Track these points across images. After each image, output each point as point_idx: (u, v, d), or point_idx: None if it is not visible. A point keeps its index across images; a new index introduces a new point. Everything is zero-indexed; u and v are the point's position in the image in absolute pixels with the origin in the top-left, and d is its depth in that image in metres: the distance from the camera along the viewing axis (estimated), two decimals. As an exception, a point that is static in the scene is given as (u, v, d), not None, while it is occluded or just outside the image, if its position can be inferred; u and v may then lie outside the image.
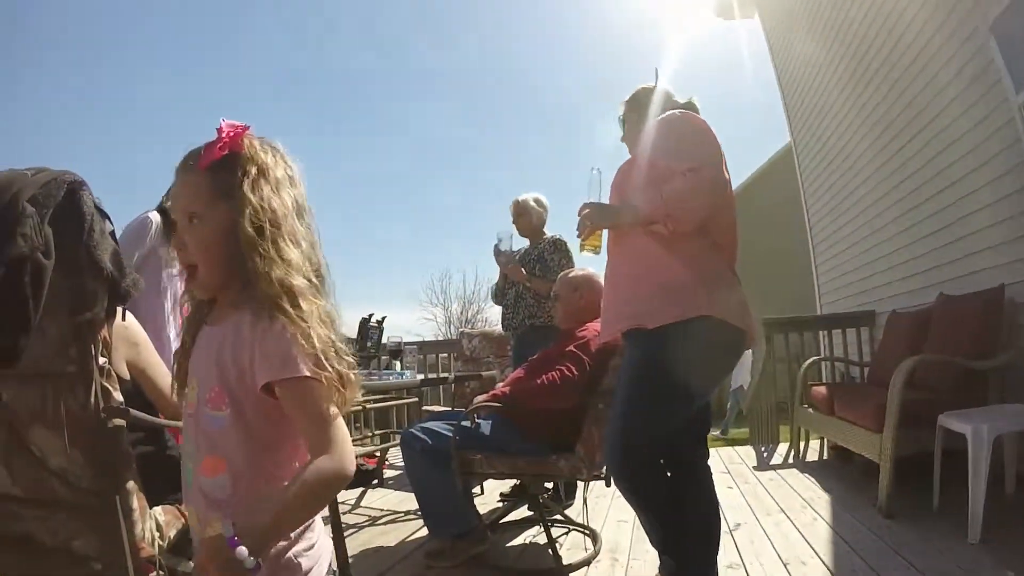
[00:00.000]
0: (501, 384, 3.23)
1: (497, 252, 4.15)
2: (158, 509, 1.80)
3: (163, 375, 1.91)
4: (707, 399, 2.39)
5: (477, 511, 2.96)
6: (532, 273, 4.10)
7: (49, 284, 1.52)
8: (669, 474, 2.28)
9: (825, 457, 4.82)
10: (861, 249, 6.31)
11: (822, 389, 4.49)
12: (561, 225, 4.51)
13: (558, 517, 3.39)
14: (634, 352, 2.23)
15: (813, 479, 4.17)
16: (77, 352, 1.54)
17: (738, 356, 2.31)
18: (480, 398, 3.01)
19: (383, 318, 4.07)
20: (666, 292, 2.13)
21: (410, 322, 29.36)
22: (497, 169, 50.34)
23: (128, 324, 1.77)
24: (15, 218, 1.40)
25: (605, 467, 2.77)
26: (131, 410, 1.60)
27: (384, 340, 4.36)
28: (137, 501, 1.64)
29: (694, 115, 2.32)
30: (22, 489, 1.73)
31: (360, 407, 4.38)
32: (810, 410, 4.66)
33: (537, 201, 4.29)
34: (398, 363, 3.74)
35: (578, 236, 2.35)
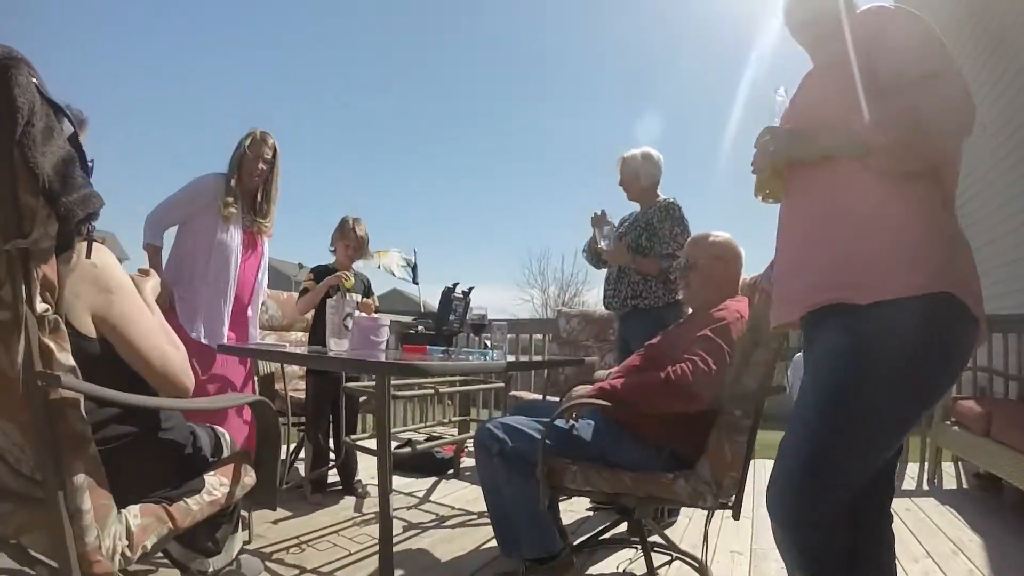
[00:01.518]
0: (611, 373, 2.70)
1: (595, 224, 3.70)
2: (134, 509, 1.46)
3: (148, 335, 1.53)
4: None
5: (563, 529, 2.49)
6: (638, 244, 3.63)
7: None
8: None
9: (965, 485, 4.32)
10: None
11: (973, 404, 3.86)
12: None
13: (659, 540, 2.85)
14: (833, 343, 1.57)
15: (956, 513, 3.63)
16: (10, 293, 1.19)
17: (967, 359, 1.65)
18: (580, 391, 2.49)
19: (470, 288, 3.66)
20: (893, 253, 1.50)
21: (506, 302, 29.98)
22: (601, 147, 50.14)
23: (99, 263, 1.41)
24: None
25: (733, 496, 2.27)
26: (68, 377, 1.23)
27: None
28: (91, 499, 1.30)
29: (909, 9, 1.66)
30: None
31: (432, 389, 4.05)
32: (955, 427, 4.07)
33: (646, 157, 3.75)
34: (485, 340, 3.32)
35: (753, 172, 1.79)
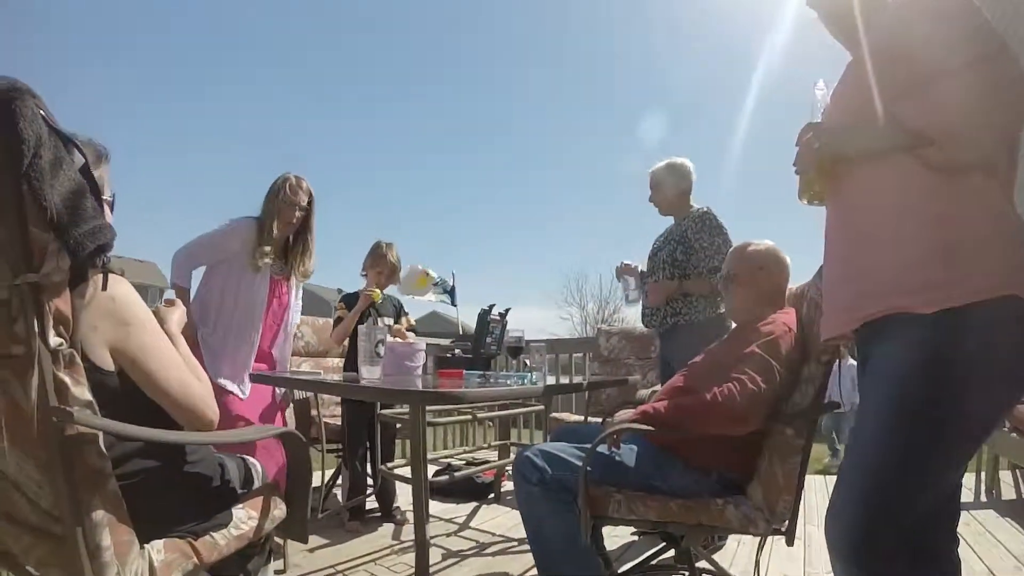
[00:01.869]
0: (653, 394, 2.65)
1: (619, 275, 3.74)
2: (158, 544, 1.43)
3: (168, 367, 1.51)
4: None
5: (607, 557, 2.46)
6: (674, 258, 3.54)
7: None
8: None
9: (1024, 496, 4.19)
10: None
11: (1039, 410, 3.70)
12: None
13: (708, 567, 2.70)
14: (898, 359, 1.46)
15: (1017, 526, 3.58)
16: (23, 328, 1.18)
17: None
18: (622, 415, 2.42)
19: (507, 310, 3.63)
20: (958, 254, 1.39)
21: (545, 321, 30.47)
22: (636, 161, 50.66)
23: (117, 296, 1.39)
24: None
25: (787, 522, 2.16)
26: (83, 413, 1.21)
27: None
28: (111, 535, 1.28)
29: None
30: None
31: (470, 415, 4.02)
32: (1013, 434, 3.91)
33: (671, 168, 3.66)
34: (524, 361, 3.28)
35: (796, 173, 1.71)
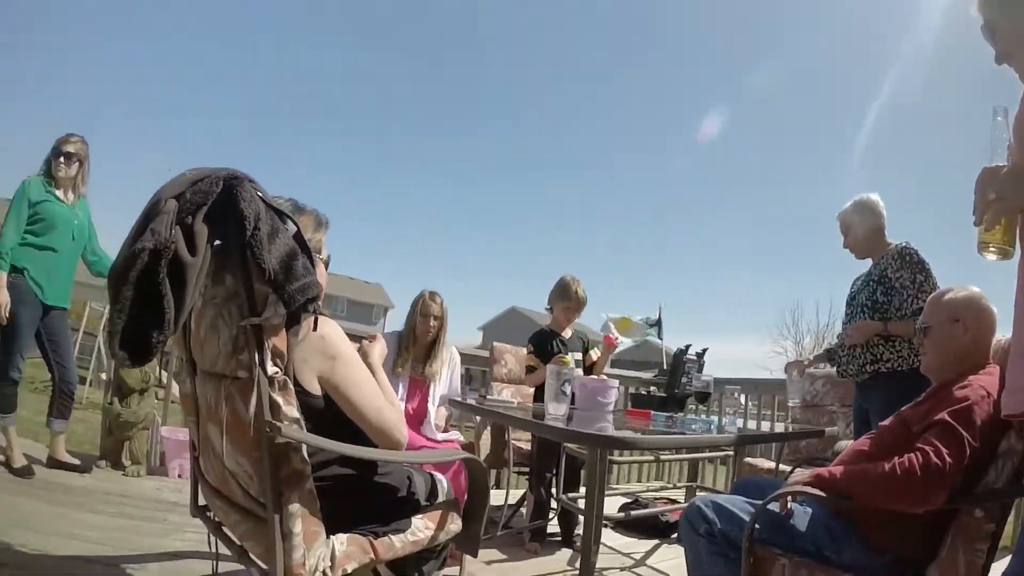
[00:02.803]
0: (838, 457, 2.49)
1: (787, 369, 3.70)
2: (342, 537, 1.79)
3: (365, 395, 1.87)
4: None
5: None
6: (874, 300, 3.38)
7: (222, 285, 1.65)
8: None
9: None
10: None
11: None
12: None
13: None
14: None
15: None
16: (247, 358, 1.60)
17: None
18: (799, 478, 2.31)
19: (704, 350, 3.72)
20: None
21: (760, 355, 29.23)
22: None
23: (326, 335, 1.77)
24: (152, 214, 1.49)
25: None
26: (282, 426, 1.59)
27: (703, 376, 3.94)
28: (302, 525, 1.65)
29: None
30: (212, 479, 1.95)
31: (653, 457, 4.13)
32: None
33: (857, 206, 3.51)
34: (717, 402, 3.33)
35: (976, 224, 1.60)
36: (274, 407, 1.59)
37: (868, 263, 3.58)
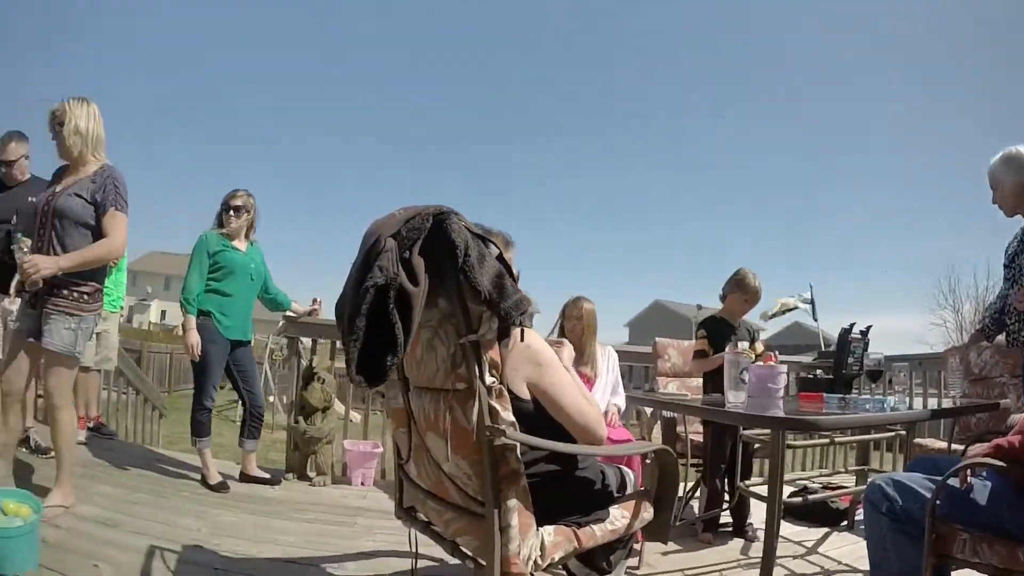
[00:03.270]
0: (1015, 427, 2.35)
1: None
2: (550, 528, 1.96)
3: (569, 396, 2.04)
4: None
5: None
6: None
7: (436, 308, 1.86)
8: None
9: None
10: None
11: None
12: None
13: None
14: None
15: None
16: (465, 371, 1.81)
17: None
18: (976, 449, 2.33)
19: (868, 327, 3.67)
20: None
21: (917, 328, 27.77)
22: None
23: (530, 344, 1.96)
24: (376, 254, 1.72)
25: None
26: (515, 431, 1.79)
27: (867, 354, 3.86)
28: (518, 518, 1.83)
29: None
30: (425, 482, 2.19)
31: (828, 439, 4.11)
32: None
33: (1006, 160, 3.29)
34: (889, 386, 3.29)
35: None
36: (493, 413, 1.77)
37: (1019, 221, 3.44)
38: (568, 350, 2.38)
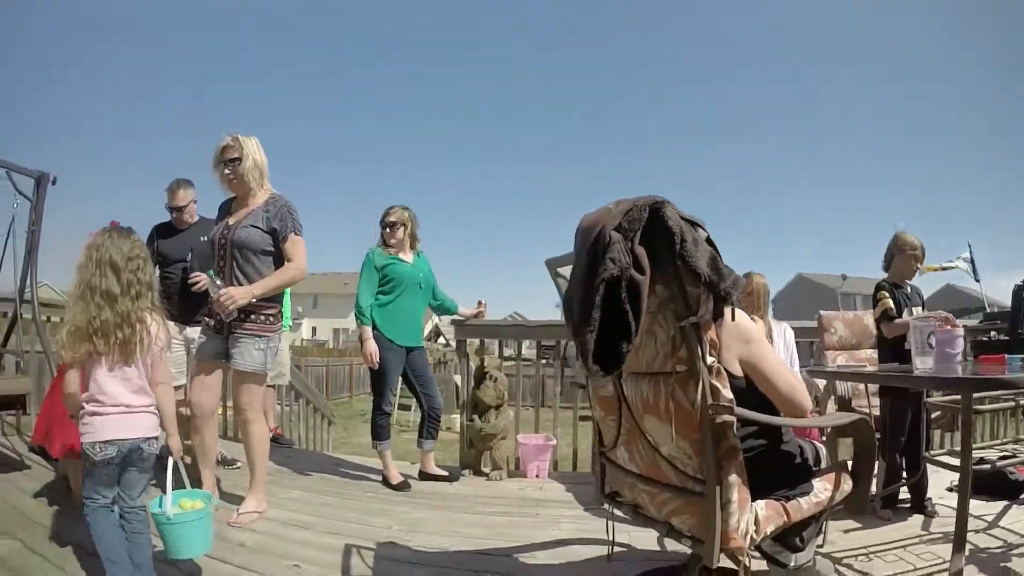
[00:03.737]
0: None
1: None
2: (760, 503, 2.06)
3: (778, 369, 2.16)
4: None
5: None
6: None
7: (653, 295, 1.96)
8: None
9: None
10: None
11: None
12: None
13: None
14: None
15: None
16: (686, 353, 1.93)
17: None
18: None
19: (1043, 283, 3.58)
20: None
21: None
22: None
23: (739, 322, 2.07)
24: (604, 247, 1.85)
25: None
26: (736, 407, 1.91)
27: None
28: (737, 494, 1.94)
29: None
30: (638, 466, 2.30)
31: (1013, 402, 3.97)
32: None
33: None
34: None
35: None
36: (713, 392, 1.90)
37: None
38: (762, 325, 2.49)
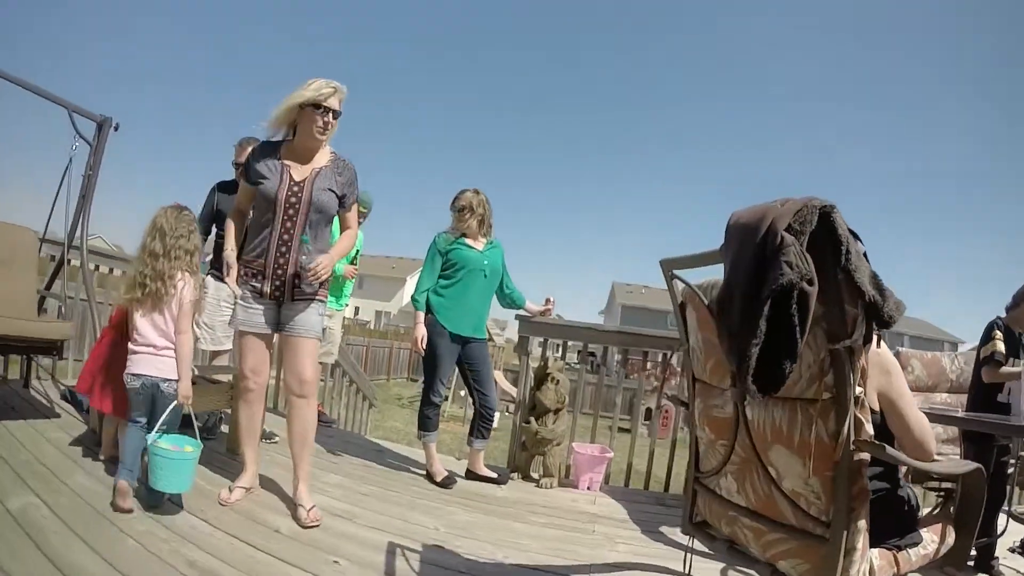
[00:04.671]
0: None
1: None
2: (874, 552, 1.90)
3: (912, 407, 1.98)
4: None
5: None
6: None
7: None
8: None
9: None
10: None
11: None
12: None
13: None
14: None
15: None
16: (833, 380, 1.74)
17: None
18: None
19: None
20: None
21: None
22: None
23: (882, 351, 1.89)
24: (776, 248, 1.63)
25: None
26: (886, 446, 1.71)
27: None
28: (862, 540, 1.77)
29: None
30: (747, 499, 2.09)
31: None
32: None
33: None
34: None
35: None
36: (857, 425, 1.71)
37: None
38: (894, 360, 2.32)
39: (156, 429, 3.10)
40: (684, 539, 2.54)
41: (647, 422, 14.70)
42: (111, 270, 6.76)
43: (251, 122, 3.50)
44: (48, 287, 5.07)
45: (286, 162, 3.35)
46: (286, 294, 3.37)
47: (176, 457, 3.07)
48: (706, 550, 2.50)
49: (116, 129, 4.96)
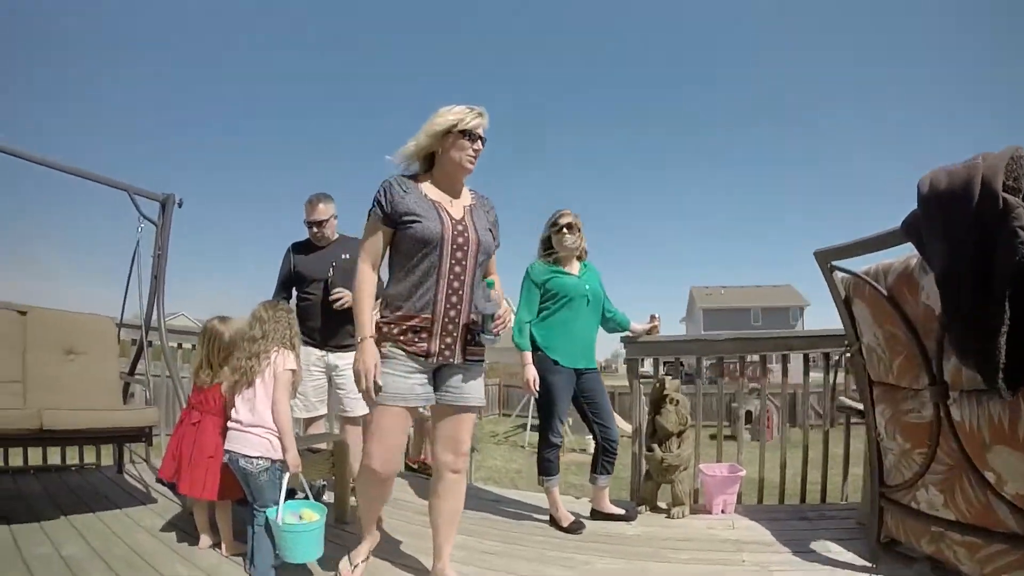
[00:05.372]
0: None
1: None
2: None
3: None
4: None
5: None
6: None
7: None
8: None
9: None
10: None
11: None
12: None
13: None
14: None
15: None
16: None
17: None
18: None
19: None
20: None
21: None
22: None
23: None
24: (1000, 212, 1.34)
25: None
26: None
27: None
28: None
29: None
30: (958, 511, 1.80)
31: None
32: None
33: None
34: None
35: None
36: None
37: None
38: None
39: (264, 504, 3.12)
40: (848, 557, 2.37)
41: (747, 426, 14.37)
42: (193, 346, 6.63)
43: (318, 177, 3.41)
44: (131, 372, 5.04)
45: (433, 199, 2.90)
46: (457, 353, 2.89)
47: (307, 529, 3.05)
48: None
49: (180, 206, 4.91)
